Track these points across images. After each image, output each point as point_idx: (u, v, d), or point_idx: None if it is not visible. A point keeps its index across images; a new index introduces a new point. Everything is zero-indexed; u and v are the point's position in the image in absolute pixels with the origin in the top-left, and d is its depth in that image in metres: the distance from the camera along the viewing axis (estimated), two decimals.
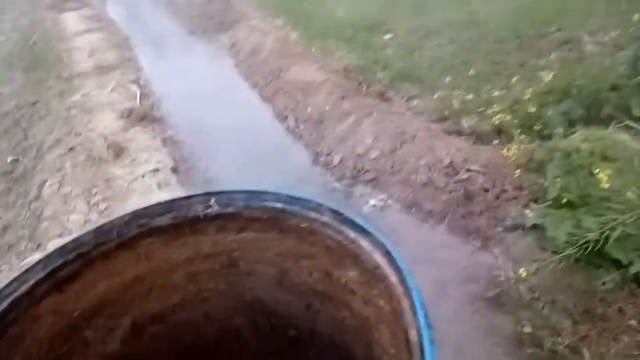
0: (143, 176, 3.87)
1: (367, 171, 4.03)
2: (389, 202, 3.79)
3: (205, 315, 1.51)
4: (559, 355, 2.55)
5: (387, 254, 1.00)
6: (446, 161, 3.71)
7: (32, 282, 1.10)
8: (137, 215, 1.24)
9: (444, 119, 4.62)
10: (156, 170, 3.98)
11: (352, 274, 1.21)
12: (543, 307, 2.81)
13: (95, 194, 3.56)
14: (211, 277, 1.44)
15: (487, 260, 3.22)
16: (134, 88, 5.93)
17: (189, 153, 4.65)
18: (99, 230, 1.20)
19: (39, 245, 3.11)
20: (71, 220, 3.21)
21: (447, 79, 5.17)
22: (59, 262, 1.13)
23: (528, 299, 2.88)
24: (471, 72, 5.10)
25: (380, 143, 4.10)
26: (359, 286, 1.23)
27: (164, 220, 1.25)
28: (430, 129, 4.24)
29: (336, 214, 1.15)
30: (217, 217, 1.28)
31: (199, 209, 1.26)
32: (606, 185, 2.44)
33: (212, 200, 1.26)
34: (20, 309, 1.08)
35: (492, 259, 3.21)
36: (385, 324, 1.09)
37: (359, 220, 1.10)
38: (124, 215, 1.23)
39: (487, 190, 3.50)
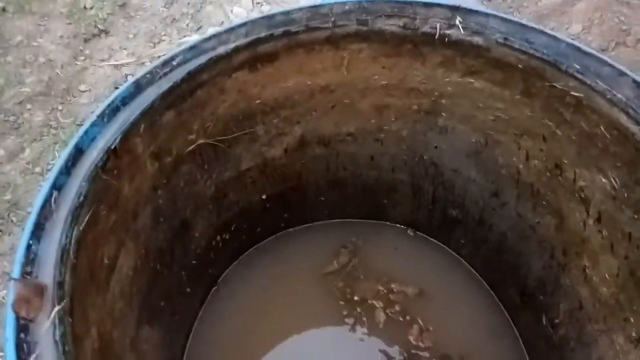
0: None
1: None
2: None
3: (370, 157, 1.31)
4: None
5: None
6: None
7: (231, 45, 0.90)
8: (361, 7, 0.96)
9: None
10: None
11: (607, 181, 0.89)
12: None
13: None
14: (399, 117, 1.19)
15: None
16: None
17: None
18: (314, 12, 0.95)
19: (199, 28, 3.03)
20: (234, 12, 3.06)
21: None
22: (263, 33, 0.92)
23: None
24: None
25: None
26: (605, 199, 0.91)
27: (389, 24, 0.97)
28: None
29: None
30: (454, 44, 0.96)
31: (437, 25, 0.95)
32: None
33: (457, 20, 0.94)
34: (213, 70, 0.91)
35: None
36: None
37: None
38: (346, 2, 0.96)
39: None
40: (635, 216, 0.85)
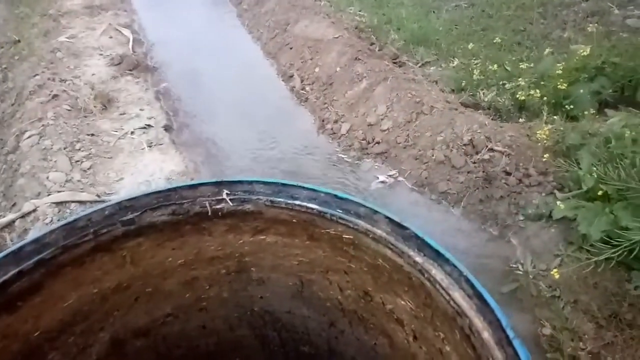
0: (132, 132, 3.50)
1: (378, 143, 3.70)
2: (400, 179, 3.49)
3: (201, 327, 1.23)
4: None
5: (479, 298, 0.70)
6: (466, 138, 3.39)
7: None
8: (122, 207, 0.92)
9: (462, 89, 4.26)
10: (147, 126, 3.61)
11: (405, 303, 0.93)
12: (564, 307, 2.59)
13: (79, 149, 3.20)
14: (213, 283, 1.15)
15: (504, 251, 2.97)
16: (127, 32, 5.43)
17: (183, 109, 4.26)
18: (70, 228, 0.89)
19: (13, 205, 2.78)
20: (51, 178, 2.86)
21: (467, 46, 4.77)
22: (10, 272, 0.82)
23: (548, 297, 2.65)
24: (496, 39, 4.69)
25: (394, 113, 3.75)
26: (411, 319, 0.94)
27: (159, 215, 0.94)
28: (449, 100, 3.89)
29: (397, 226, 0.84)
30: (229, 214, 0.97)
31: (206, 204, 0.95)
32: None
33: (224, 194, 0.95)
34: None
35: (510, 249, 2.96)
36: None
37: (431, 241, 0.80)
38: (104, 207, 0.92)
39: (509, 174, 3.21)
40: (436, 333, 0.88)
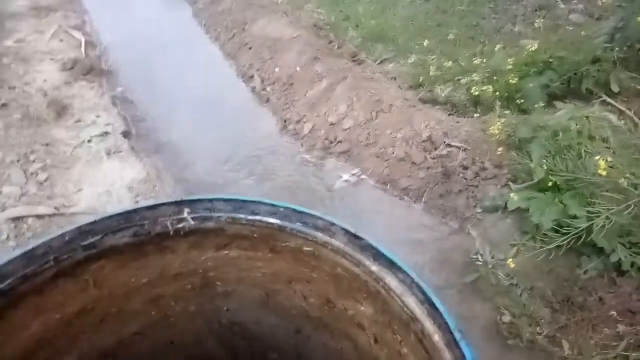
0: (89, 140, 3.41)
1: (340, 142, 3.76)
2: (363, 177, 3.57)
3: (169, 343, 1.24)
4: (538, 346, 2.48)
5: (429, 303, 0.76)
6: (425, 135, 3.49)
7: None
8: (83, 231, 0.93)
9: (420, 85, 4.37)
10: (105, 133, 3.53)
11: (365, 309, 0.97)
12: (521, 294, 2.72)
13: (34, 160, 3.09)
14: (179, 299, 1.16)
15: (465, 243, 3.09)
16: (78, 35, 5.25)
17: (141, 114, 4.18)
18: (29, 256, 0.88)
19: None
20: (5, 193, 2.76)
21: (423, 42, 4.88)
22: None
23: (506, 285, 2.79)
24: (450, 36, 4.83)
25: (354, 112, 3.81)
26: (371, 323, 0.99)
27: (121, 238, 0.95)
28: (407, 97, 3.99)
29: (353, 237, 0.88)
30: (191, 232, 0.99)
31: (167, 223, 0.96)
32: (604, 172, 2.30)
33: (186, 212, 0.97)
34: None
35: (470, 241, 3.09)
36: None
37: (384, 250, 0.84)
38: (64, 233, 0.91)
39: (466, 168, 3.33)
40: (394, 336, 0.94)
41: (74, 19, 5.70)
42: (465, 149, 3.39)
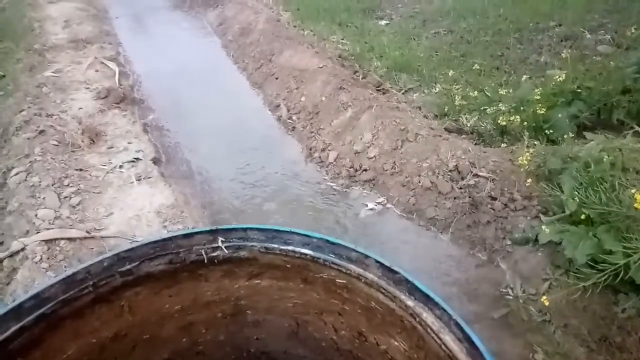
0: (121, 166, 3.50)
1: (365, 170, 3.76)
2: (389, 205, 3.54)
3: None
4: None
5: (469, 342, 0.74)
6: (451, 164, 3.46)
7: None
8: (120, 258, 0.94)
9: (445, 115, 4.37)
10: (136, 159, 3.62)
11: (399, 344, 0.95)
12: (555, 331, 2.62)
13: (68, 185, 3.19)
14: (210, 327, 1.16)
15: (494, 276, 3.01)
16: (113, 65, 5.48)
17: (172, 141, 4.29)
18: (69, 281, 0.90)
19: (1, 244, 2.75)
20: (40, 215, 2.85)
21: (448, 72, 4.91)
22: (11, 328, 0.83)
23: (539, 321, 2.68)
24: (475, 66, 4.84)
25: (379, 140, 3.82)
26: (405, 359, 0.97)
27: (156, 265, 0.96)
28: (433, 126, 3.98)
29: (388, 270, 0.88)
30: (225, 261, 0.99)
31: (202, 252, 0.98)
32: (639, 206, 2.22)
33: (220, 241, 0.98)
34: None
35: (499, 274, 3.00)
36: None
37: (420, 285, 0.83)
38: (103, 259, 0.93)
39: (494, 199, 3.28)
40: None
41: (109, 50, 5.95)
42: (493, 180, 3.34)
